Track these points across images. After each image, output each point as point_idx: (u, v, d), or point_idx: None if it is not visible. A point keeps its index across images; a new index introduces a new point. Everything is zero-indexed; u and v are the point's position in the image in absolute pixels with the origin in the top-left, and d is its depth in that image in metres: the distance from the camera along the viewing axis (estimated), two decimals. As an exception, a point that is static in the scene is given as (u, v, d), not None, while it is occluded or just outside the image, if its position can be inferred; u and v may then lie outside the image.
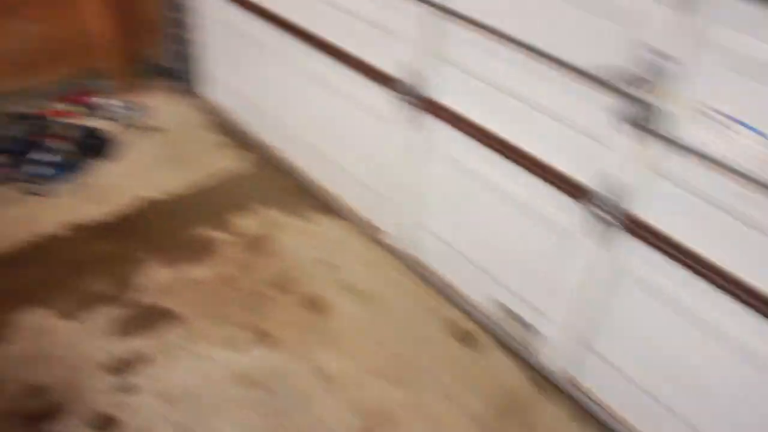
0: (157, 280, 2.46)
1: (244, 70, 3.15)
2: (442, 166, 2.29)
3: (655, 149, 1.63)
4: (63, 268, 2.47)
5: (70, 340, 2.21)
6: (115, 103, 3.38)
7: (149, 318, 2.31)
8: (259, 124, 3.20)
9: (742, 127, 1.45)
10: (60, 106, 3.33)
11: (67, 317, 2.28)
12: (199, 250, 2.60)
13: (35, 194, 2.80)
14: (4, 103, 3.20)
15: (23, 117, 3.14)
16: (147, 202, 2.82)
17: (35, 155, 2.91)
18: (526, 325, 2.22)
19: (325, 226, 2.79)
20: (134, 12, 3.35)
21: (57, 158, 2.92)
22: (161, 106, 3.47)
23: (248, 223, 2.76)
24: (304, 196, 2.93)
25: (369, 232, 2.73)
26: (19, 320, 2.26)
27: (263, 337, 2.27)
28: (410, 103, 2.24)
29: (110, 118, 3.31)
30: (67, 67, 3.35)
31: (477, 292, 2.38)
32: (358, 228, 2.76)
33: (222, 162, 3.10)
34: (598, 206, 1.80)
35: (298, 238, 2.71)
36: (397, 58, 2.22)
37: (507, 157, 2.01)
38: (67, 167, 2.91)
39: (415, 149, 2.34)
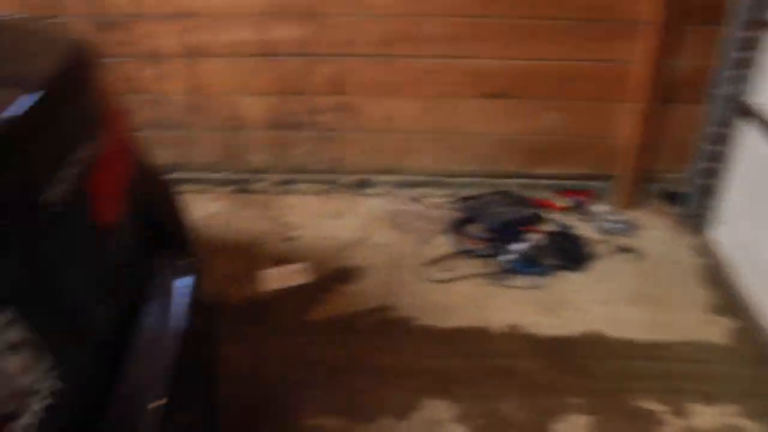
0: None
1: (763, 224, 2.55)
2: None
3: None
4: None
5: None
6: (604, 211, 3.14)
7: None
8: (759, 292, 2.56)
9: None
10: (549, 198, 3.24)
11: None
12: (634, 421, 2.15)
13: (493, 280, 2.73)
14: (506, 183, 3.26)
15: (517, 201, 3.13)
16: (595, 336, 2.48)
17: (514, 245, 2.84)
18: None
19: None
20: (667, 131, 3.04)
21: (527, 250, 2.80)
22: (652, 231, 3.07)
23: (703, 414, 2.18)
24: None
25: None
26: (420, 405, 2.19)
27: None
28: None
29: (593, 226, 3.07)
30: (575, 163, 3.24)
31: None
32: None
33: (696, 320, 2.55)
34: None
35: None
36: None
37: None
38: (533, 263, 2.78)
39: None
